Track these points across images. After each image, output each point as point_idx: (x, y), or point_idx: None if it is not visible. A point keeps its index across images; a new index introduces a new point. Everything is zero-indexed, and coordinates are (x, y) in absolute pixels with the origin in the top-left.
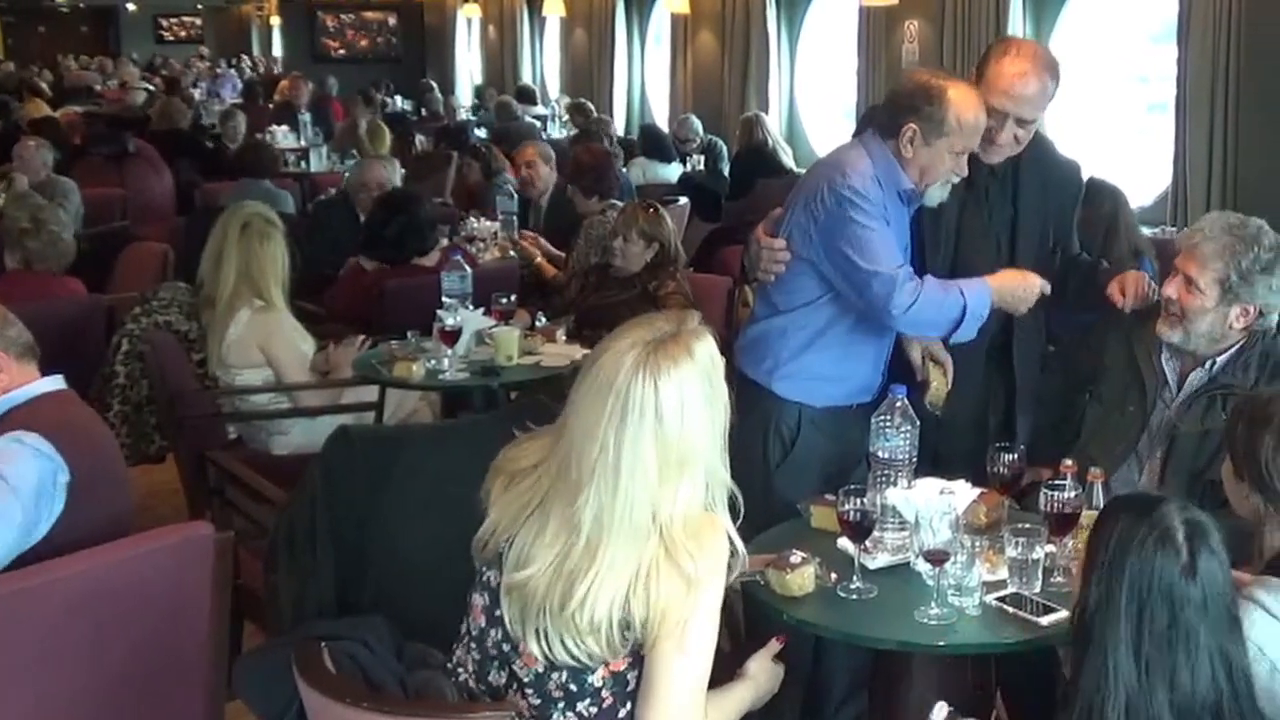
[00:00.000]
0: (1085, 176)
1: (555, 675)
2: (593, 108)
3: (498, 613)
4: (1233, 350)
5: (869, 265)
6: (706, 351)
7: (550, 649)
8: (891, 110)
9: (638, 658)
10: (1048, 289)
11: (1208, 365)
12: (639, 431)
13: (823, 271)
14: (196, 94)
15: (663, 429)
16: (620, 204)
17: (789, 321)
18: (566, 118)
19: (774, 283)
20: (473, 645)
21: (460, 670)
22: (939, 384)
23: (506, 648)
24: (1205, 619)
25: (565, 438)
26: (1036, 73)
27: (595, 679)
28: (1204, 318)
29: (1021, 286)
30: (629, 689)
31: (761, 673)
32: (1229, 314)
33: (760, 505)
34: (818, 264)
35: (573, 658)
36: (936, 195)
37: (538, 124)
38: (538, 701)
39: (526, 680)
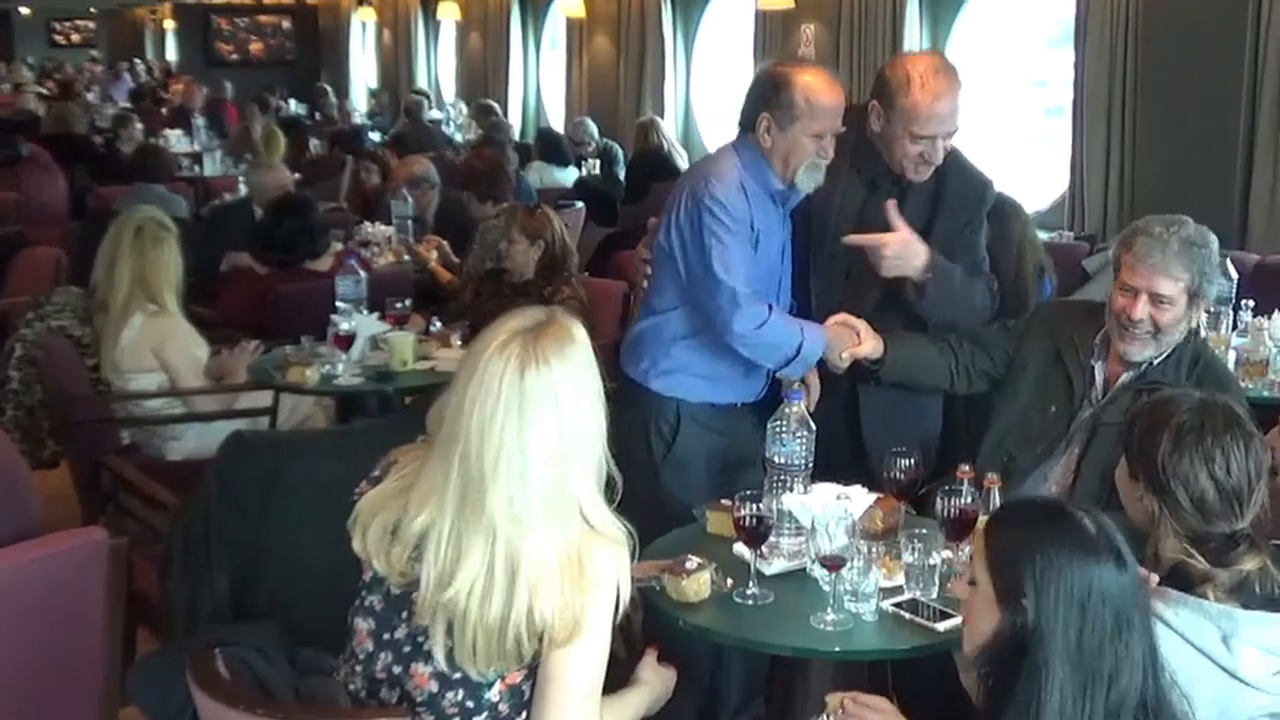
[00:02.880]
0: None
1: (450, 694)
2: (498, 109)
3: (385, 636)
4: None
5: (720, 279)
6: (584, 334)
7: (476, 662)
8: (747, 105)
9: (532, 669)
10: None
11: (1140, 365)
12: (540, 418)
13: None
14: (90, 98)
15: (561, 413)
16: None
17: (663, 322)
18: (463, 121)
19: (649, 286)
20: (359, 668)
21: (350, 683)
22: (814, 385)
23: (398, 670)
24: (1137, 610)
25: (456, 445)
26: (949, 86)
27: (493, 693)
28: (1177, 328)
29: (834, 342)
30: (525, 700)
31: (655, 678)
32: (1193, 316)
33: (650, 503)
34: (682, 270)
35: (480, 673)
36: (807, 183)
37: (434, 127)
38: (432, 719)
39: (420, 700)
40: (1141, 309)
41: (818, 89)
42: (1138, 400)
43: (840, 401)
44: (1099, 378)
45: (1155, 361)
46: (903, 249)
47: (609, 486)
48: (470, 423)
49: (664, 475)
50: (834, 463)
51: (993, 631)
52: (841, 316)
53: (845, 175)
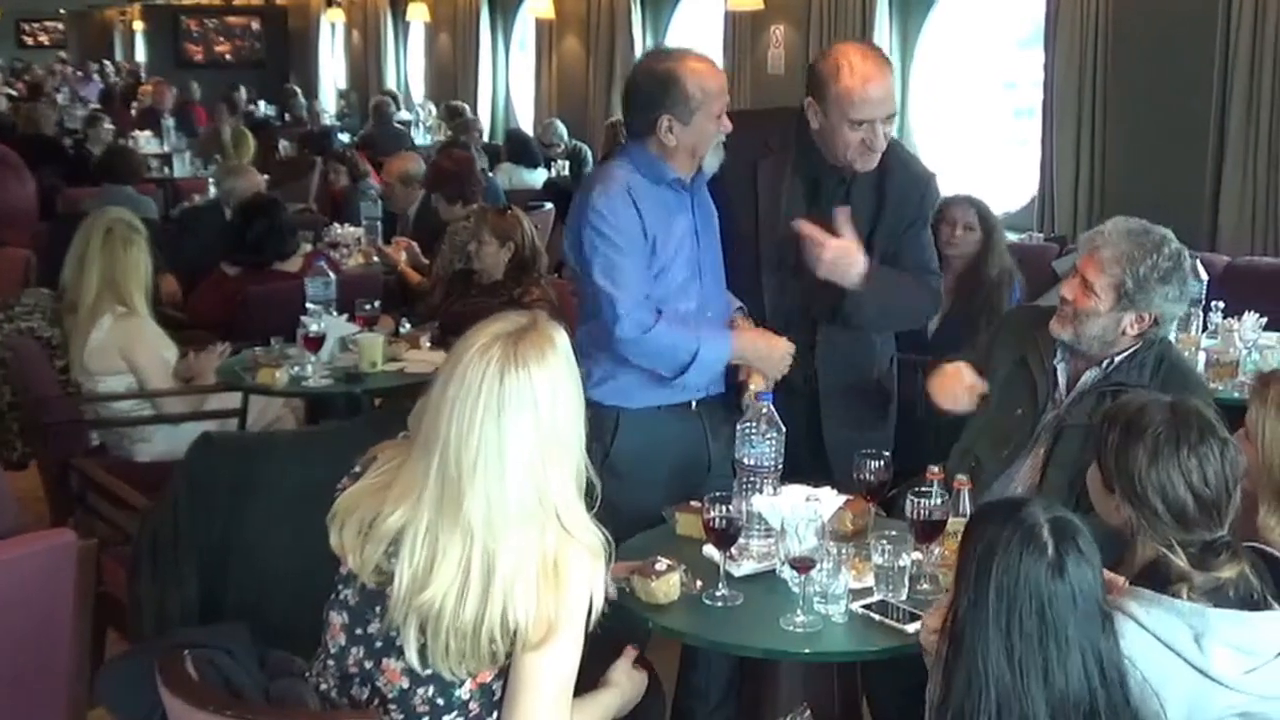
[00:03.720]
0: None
1: (421, 690)
2: (468, 109)
3: (359, 631)
4: (1128, 351)
5: (602, 288)
6: (564, 340)
7: (449, 662)
8: (639, 111)
9: (503, 669)
10: (791, 349)
11: (1103, 365)
12: (519, 422)
13: None
14: (60, 99)
15: (539, 418)
16: None
17: (591, 329)
18: (432, 123)
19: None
20: (331, 663)
21: (320, 683)
22: (756, 383)
23: (369, 665)
24: (1075, 614)
25: (436, 446)
26: (878, 69)
27: (463, 692)
28: (1095, 321)
29: (765, 351)
30: (495, 699)
31: (625, 680)
32: (1122, 320)
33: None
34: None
35: (452, 672)
36: (713, 163)
37: (402, 129)
38: (401, 717)
39: (391, 696)
40: (1068, 288)
41: (705, 72)
42: (1102, 402)
43: (802, 403)
44: (1062, 379)
45: (1118, 360)
46: (841, 255)
47: (588, 493)
48: (449, 424)
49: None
50: (798, 465)
51: (943, 617)
52: (759, 332)
53: (789, 177)
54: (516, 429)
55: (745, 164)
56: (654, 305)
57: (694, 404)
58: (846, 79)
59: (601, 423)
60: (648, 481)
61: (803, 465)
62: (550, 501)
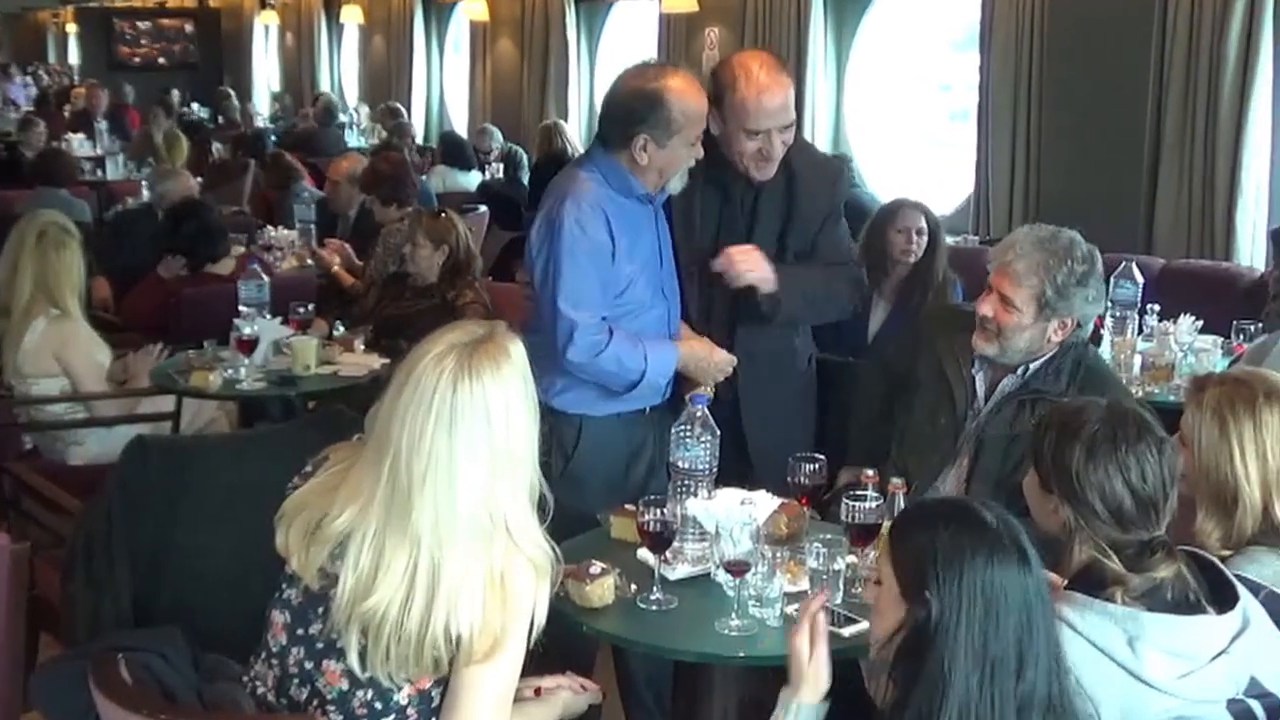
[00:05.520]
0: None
1: (360, 693)
2: (404, 111)
3: (300, 631)
4: (1045, 357)
5: (562, 310)
6: (521, 352)
7: (389, 668)
8: (616, 123)
9: (443, 676)
10: (733, 362)
11: (1019, 371)
12: (470, 434)
13: None
14: None
15: (491, 431)
16: None
17: (549, 341)
18: (366, 125)
19: (532, 304)
20: (273, 661)
21: (258, 683)
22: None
23: (309, 665)
24: (1043, 607)
25: (387, 453)
26: (776, 81)
27: (401, 697)
28: (1022, 334)
29: (707, 359)
30: (434, 705)
31: (564, 691)
32: (1047, 329)
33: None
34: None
35: (390, 678)
36: (677, 185)
37: (339, 132)
38: (340, 718)
39: (330, 698)
40: (987, 305)
41: (689, 95)
42: (1021, 411)
43: (724, 408)
44: (980, 387)
45: (1034, 367)
46: (743, 258)
47: (540, 505)
48: (401, 433)
49: (558, 490)
50: (724, 467)
51: (896, 626)
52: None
53: (700, 184)
54: (468, 442)
55: None
56: (607, 326)
57: (648, 410)
58: (743, 89)
59: (564, 430)
60: (610, 488)
61: (728, 468)
62: (500, 515)
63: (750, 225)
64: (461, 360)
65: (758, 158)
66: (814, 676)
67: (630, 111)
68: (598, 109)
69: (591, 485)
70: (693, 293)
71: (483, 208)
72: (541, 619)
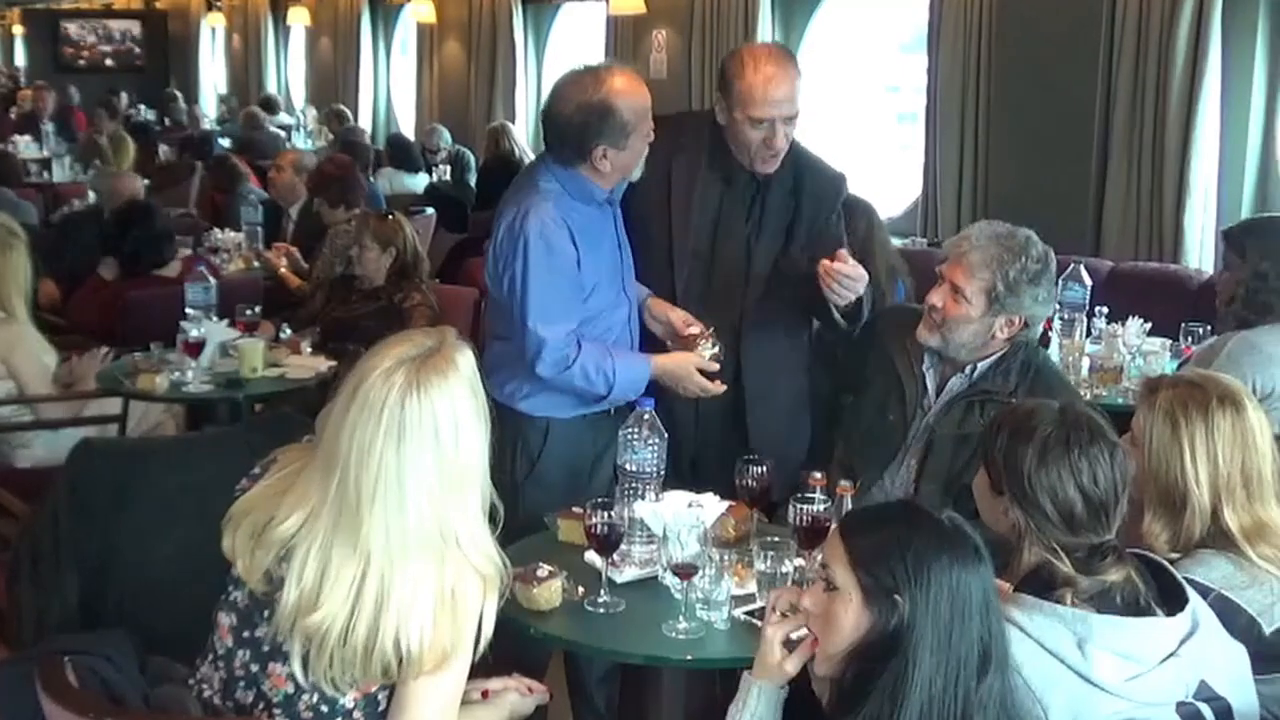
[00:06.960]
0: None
1: (305, 697)
2: (350, 114)
3: (246, 634)
4: (994, 357)
5: (529, 321)
6: (469, 364)
7: (332, 677)
8: (569, 140)
9: (390, 682)
10: (718, 391)
11: (968, 370)
12: (419, 448)
13: None
14: None
15: (440, 445)
16: None
17: (513, 347)
18: (312, 127)
19: (489, 309)
20: (219, 664)
21: (204, 686)
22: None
23: (255, 668)
24: (998, 608)
25: (336, 465)
26: (783, 70)
27: (347, 700)
28: (967, 327)
29: (687, 379)
30: (380, 709)
31: (511, 693)
32: (994, 324)
33: (508, 518)
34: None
35: (334, 686)
36: (638, 172)
37: (282, 134)
38: None
39: (275, 701)
40: (937, 295)
41: (633, 91)
42: (970, 412)
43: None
44: (931, 384)
45: (982, 367)
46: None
47: (491, 517)
48: (350, 446)
49: (524, 494)
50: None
51: (863, 631)
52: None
53: (703, 175)
54: (417, 458)
55: (660, 164)
56: (576, 339)
57: (613, 412)
58: (749, 76)
59: (530, 434)
60: (576, 489)
61: (729, 464)
62: (451, 530)
63: (760, 216)
64: (410, 375)
65: (762, 149)
66: (779, 665)
67: (584, 127)
68: None
69: (556, 489)
70: (683, 274)
71: (430, 210)
72: (489, 630)
